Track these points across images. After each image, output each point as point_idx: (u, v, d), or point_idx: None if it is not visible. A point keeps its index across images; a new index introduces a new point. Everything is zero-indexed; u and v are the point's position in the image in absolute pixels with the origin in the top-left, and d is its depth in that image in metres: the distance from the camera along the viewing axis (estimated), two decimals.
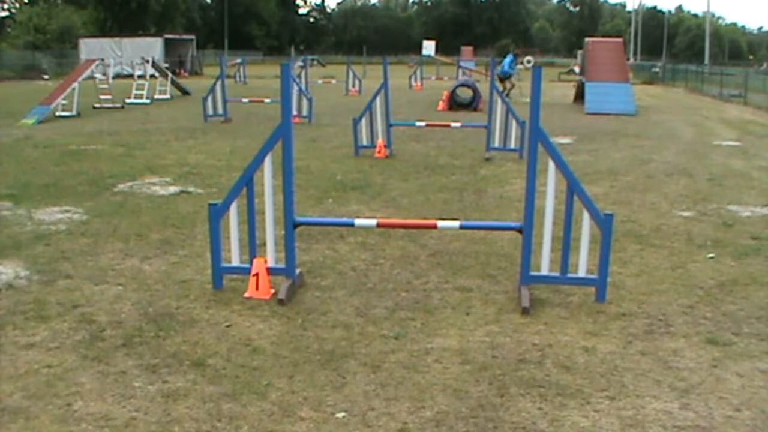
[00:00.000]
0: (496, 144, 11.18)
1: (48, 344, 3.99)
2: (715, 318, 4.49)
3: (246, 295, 4.77)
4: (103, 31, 52.54)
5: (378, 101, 11.08)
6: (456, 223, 5.57)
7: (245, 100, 18.39)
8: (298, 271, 4.96)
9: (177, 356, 3.85)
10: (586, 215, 4.63)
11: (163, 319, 4.36)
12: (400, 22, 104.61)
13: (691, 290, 5.00)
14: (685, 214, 7.35)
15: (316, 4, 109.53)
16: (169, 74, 25.33)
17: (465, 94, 20.50)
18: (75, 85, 17.81)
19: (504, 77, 22.38)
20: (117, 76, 32.61)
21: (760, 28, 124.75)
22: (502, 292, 4.93)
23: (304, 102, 16.26)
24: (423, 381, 3.60)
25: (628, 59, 40.66)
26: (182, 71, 43.12)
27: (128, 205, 7.49)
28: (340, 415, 3.26)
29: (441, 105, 20.09)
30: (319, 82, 30.91)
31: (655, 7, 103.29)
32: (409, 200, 7.92)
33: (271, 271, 4.85)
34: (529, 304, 4.54)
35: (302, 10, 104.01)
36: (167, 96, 23.40)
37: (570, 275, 4.75)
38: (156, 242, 6.07)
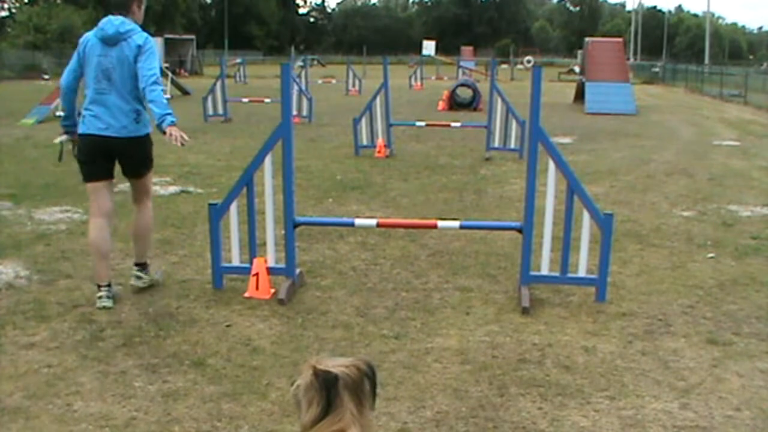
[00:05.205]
0: (496, 144, 11.19)
1: (48, 344, 3.99)
2: (715, 318, 4.49)
3: (246, 294, 4.77)
4: None
5: (378, 101, 11.09)
6: (456, 223, 5.56)
7: (245, 100, 18.39)
8: (298, 270, 4.96)
9: (177, 356, 3.85)
10: (586, 215, 4.63)
11: (163, 319, 4.36)
12: (400, 22, 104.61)
13: (691, 290, 5.00)
14: (685, 213, 7.35)
15: (316, 4, 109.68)
16: (169, 74, 25.33)
17: (465, 94, 20.50)
18: None
19: None
20: None
21: (760, 28, 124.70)
22: (502, 292, 4.93)
23: (304, 102, 16.26)
24: (423, 381, 3.60)
25: (628, 59, 40.66)
26: (182, 71, 43.10)
27: (128, 205, 7.44)
28: None
29: (441, 105, 20.09)
30: (319, 82, 30.90)
31: (655, 7, 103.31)
32: (409, 200, 7.92)
33: (271, 270, 4.84)
34: (529, 304, 4.54)
35: (302, 10, 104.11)
36: (167, 96, 23.33)
37: (570, 275, 4.75)
38: (156, 242, 6.05)
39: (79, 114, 4.60)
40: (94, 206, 4.59)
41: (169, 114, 4.24)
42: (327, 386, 1.82)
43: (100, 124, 4.42)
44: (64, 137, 4.76)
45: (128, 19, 4.46)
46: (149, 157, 4.70)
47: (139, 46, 4.37)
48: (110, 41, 4.37)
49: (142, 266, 4.86)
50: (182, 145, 4.25)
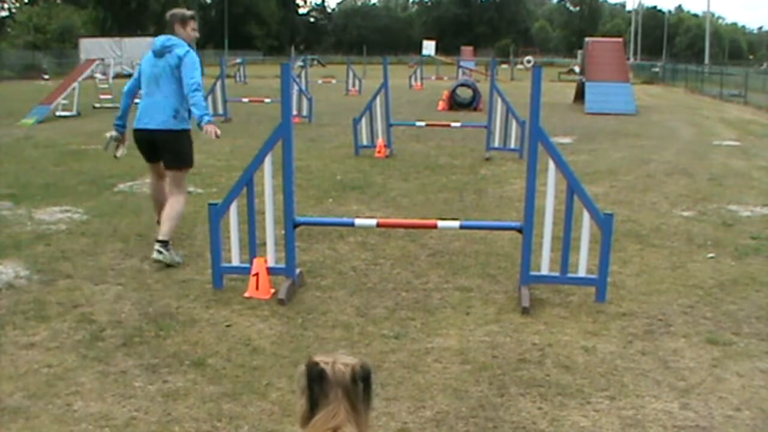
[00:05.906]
0: (496, 144, 11.18)
1: (48, 344, 3.99)
2: (715, 318, 4.49)
3: (246, 294, 4.77)
4: (103, 31, 52.48)
5: (378, 101, 11.09)
6: (456, 223, 5.56)
7: (245, 100, 18.39)
8: (298, 270, 4.96)
9: (177, 356, 3.85)
10: (586, 215, 4.63)
11: (163, 319, 4.36)
12: (400, 22, 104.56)
13: (691, 290, 5.00)
14: (685, 213, 7.35)
15: (316, 4, 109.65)
16: None
17: (465, 94, 20.50)
18: (75, 85, 17.80)
19: None
20: (117, 76, 32.59)
21: (760, 28, 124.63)
22: (502, 292, 4.93)
23: (304, 102, 16.26)
24: (423, 381, 3.60)
25: (628, 59, 40.66)
26: None
27: (128, 205, 7.49)
28: None
29: (441, 105, 20.09)
30: (319, 81, 30.90)
31: (655, 7, 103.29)
32: (409, 200, 7.92)
33: (271, 270, 4.85)
34: (529, 304, 4.54)
35: (302, 10, 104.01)
36: None
37: (570, 275, 4.75)
38: None
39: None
40: (151, 174, 6.01)
41: (206, 114, 5.37)
42: (310, 379, 1.83)
43: (146, 119, 5.53)
44: (113, 133, 5.95)
45: (174, 36, 5.59)
46: (184, 152, 5.66)
47: (179, 57, 5.47)
48: (158, 54, 5.55)
49: (163, 243, 5.42)
50: (216, 137, 5.33)
